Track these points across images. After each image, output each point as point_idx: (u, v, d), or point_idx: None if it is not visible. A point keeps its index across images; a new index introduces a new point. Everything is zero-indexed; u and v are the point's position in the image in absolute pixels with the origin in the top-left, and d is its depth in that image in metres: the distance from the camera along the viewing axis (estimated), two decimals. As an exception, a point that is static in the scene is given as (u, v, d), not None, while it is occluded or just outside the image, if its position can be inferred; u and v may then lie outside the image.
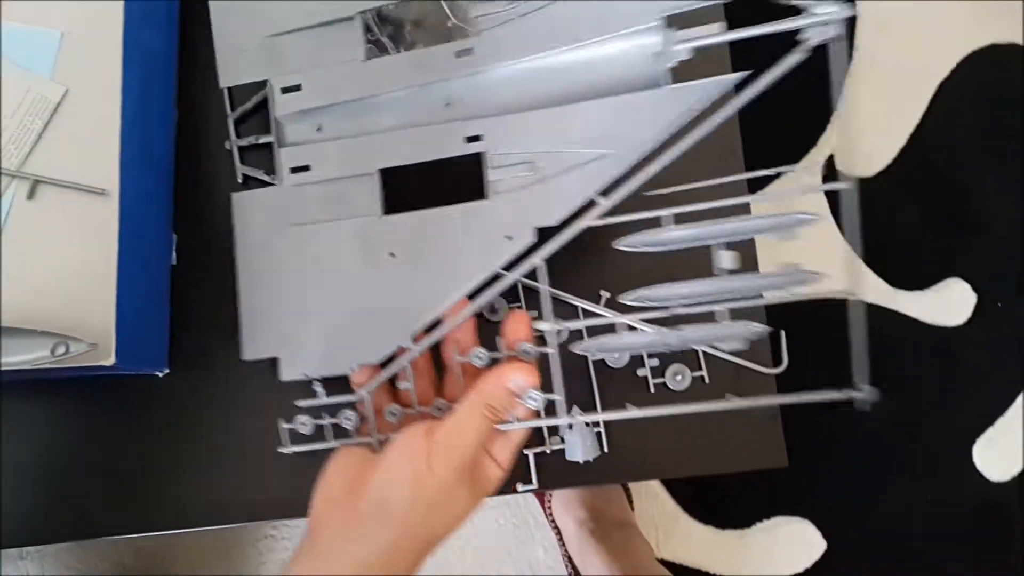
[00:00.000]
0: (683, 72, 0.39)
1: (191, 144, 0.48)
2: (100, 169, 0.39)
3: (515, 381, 0.37)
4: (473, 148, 0.41)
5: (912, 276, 1.07)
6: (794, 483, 1.03)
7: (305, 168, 0.44)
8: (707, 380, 0.45)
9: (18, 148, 0.41)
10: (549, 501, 0.96)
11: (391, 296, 0.42)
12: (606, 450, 0.45)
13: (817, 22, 0.35)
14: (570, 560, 0.92)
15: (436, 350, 0.43)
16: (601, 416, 0.40)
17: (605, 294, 0.45)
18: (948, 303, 1.07)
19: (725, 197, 0.36)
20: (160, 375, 0.45)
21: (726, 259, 0.36)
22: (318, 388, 0.43)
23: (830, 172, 1.06)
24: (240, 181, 0.47)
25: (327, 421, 0.43)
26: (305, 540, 0.37)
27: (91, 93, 0.40)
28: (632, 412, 0.38)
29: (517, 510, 1.00)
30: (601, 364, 0.45)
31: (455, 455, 0.36)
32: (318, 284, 0.43)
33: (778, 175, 0.38)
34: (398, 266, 0.42)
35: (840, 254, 0.87)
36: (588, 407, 0.45)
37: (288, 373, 0.43)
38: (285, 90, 0.44)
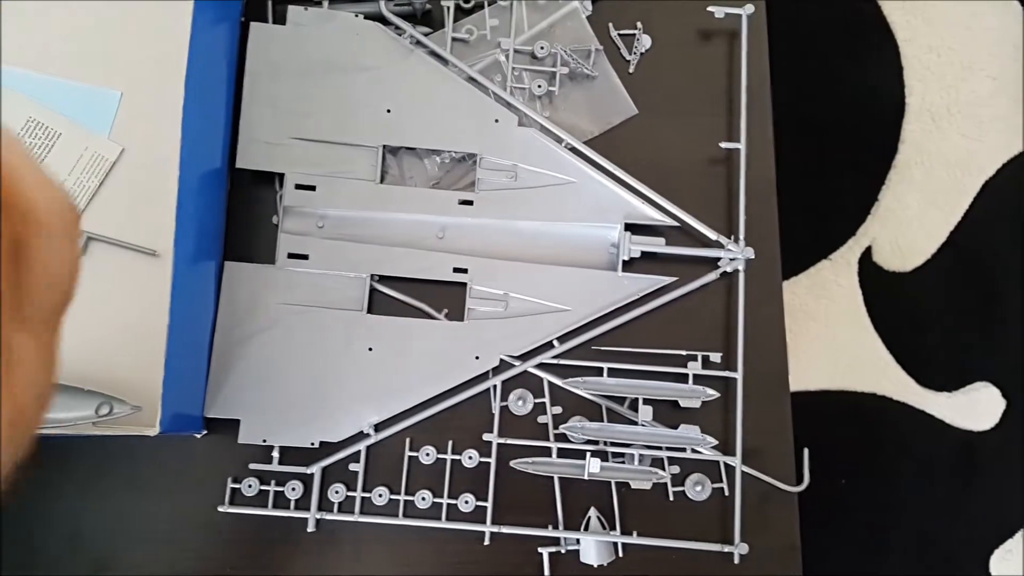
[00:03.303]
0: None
1: (239, 211, 0.51)
2: (153, 230, 0.41)
3: None
4: (458, 278, 0.50)
5: (942, 376, 1.05)
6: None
7: (304, 257, 0.50)
8: (727, 492, 0.49)
9: (67, 196, 0.42)
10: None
11: (362, 385, 0.48)
12: (620, 554, 0.48)
13: (727, 256, 0.50)
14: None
15: (387, 439, 0.49)
16: (607, 537, 0.46)
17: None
18: (976, 407, 1.05)
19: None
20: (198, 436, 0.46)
21: (643, 412, 0.48)
22: (275, 455, 0.46)
23: (867, 263, 1.06)
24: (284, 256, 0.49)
25: (272, 487, 0.47)
26: None
27: (148, 154, 0.43)
28: (632, 539, 0.47)
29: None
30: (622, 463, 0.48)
31: None
32: (293, 361, 0.48)
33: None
34: (373, 360, 0.48)
35: (871, 349, 0.97)
36: (607, 511, 0.48)
37: (246, 436, 0.47)
38: (299, 186, 0.50)
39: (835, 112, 1.07)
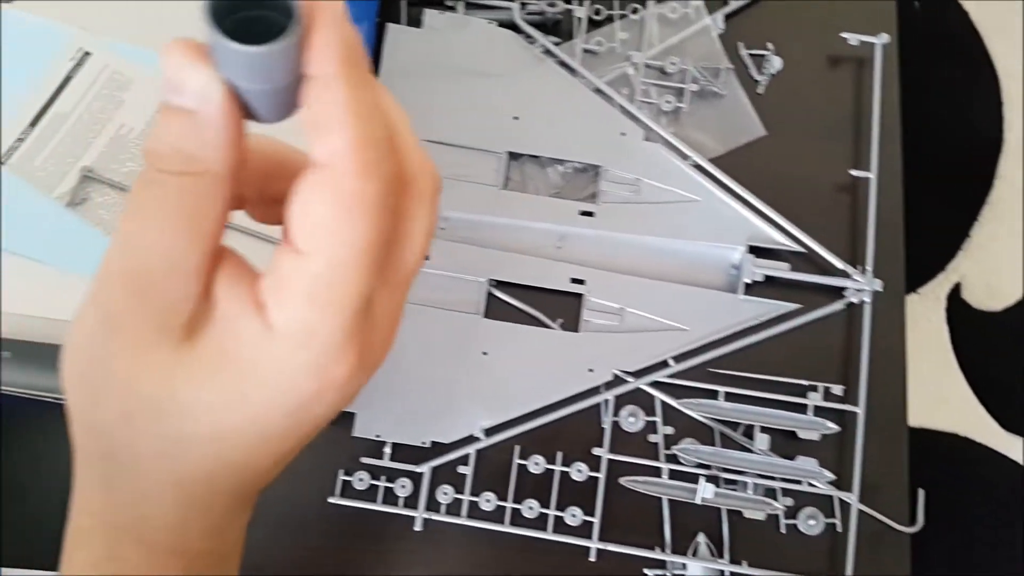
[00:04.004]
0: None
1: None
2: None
3: (170, 84, 0.19)
4: (576, 288, 0.50)
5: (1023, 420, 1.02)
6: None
7: (425, 257, 0.50)
8: (839, 528, 0.47)
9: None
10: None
11: (475, 388, 0.48)
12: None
13: (854, 286, 0.49)
14: None
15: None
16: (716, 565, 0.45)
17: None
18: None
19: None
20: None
21: (760, 440, 0.47)
22: (387, 451, 0.47)
23: (956, 300, 1.04)
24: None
25: (383, 483, 0.47)
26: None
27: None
28: (742, 568, 0.45)
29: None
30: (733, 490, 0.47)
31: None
32: (410, 359, 0.48)
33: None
34: (487, 364, 0.49)
35: (955, 388, 0.96)
36: (715, 537, 0.47)
37: (361, 430, 0.47)
38: (423, 187, 0.51)
39: (930, 144, 1.05)
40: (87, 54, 0.50)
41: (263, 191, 0.24)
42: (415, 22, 0.52)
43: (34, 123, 0.49)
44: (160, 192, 0.19)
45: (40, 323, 0.47)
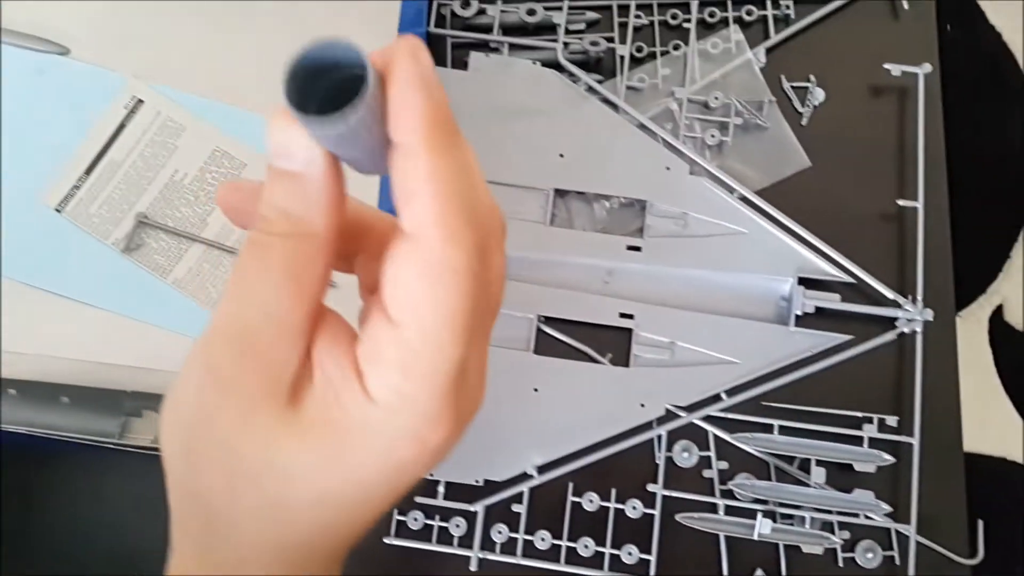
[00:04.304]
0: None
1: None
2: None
3: (276, 150, 0.20)
4: (625, 323, 0.50)
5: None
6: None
7: (473, 295, 0.50)
8: (897, 561, 0.47)
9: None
10: None
11: (527, 425, 0.48)
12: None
13: (905, 316, 0.49)
14: None
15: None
16: None
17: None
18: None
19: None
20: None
21: (816, 473, 0.47)
22: (440, 489, 0.47)
23: (998, 322, 1.02)
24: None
25: (437, 522, 0.47)
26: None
27: None
28: None
29: None
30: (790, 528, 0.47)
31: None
32: (461, 397, 0.49)
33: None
34: (539, 401, 0.49)
35: (1000, 410, 0.95)
36: (772, 572, 0.47)
37: (415, 470, 0.47)
38: (470, 225, 0.51)
39: (967, 165, 1.04)
40: (140, 101, 0.52)
41: (340, 248, 0.24)
42: (461, 64, 0.53)
43: (89, 170, 0.51)
44: (267, 253, 0.20)
45: (95, 368, 0.48)
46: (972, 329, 0.99)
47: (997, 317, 1.02)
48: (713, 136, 0.52)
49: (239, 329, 0.20)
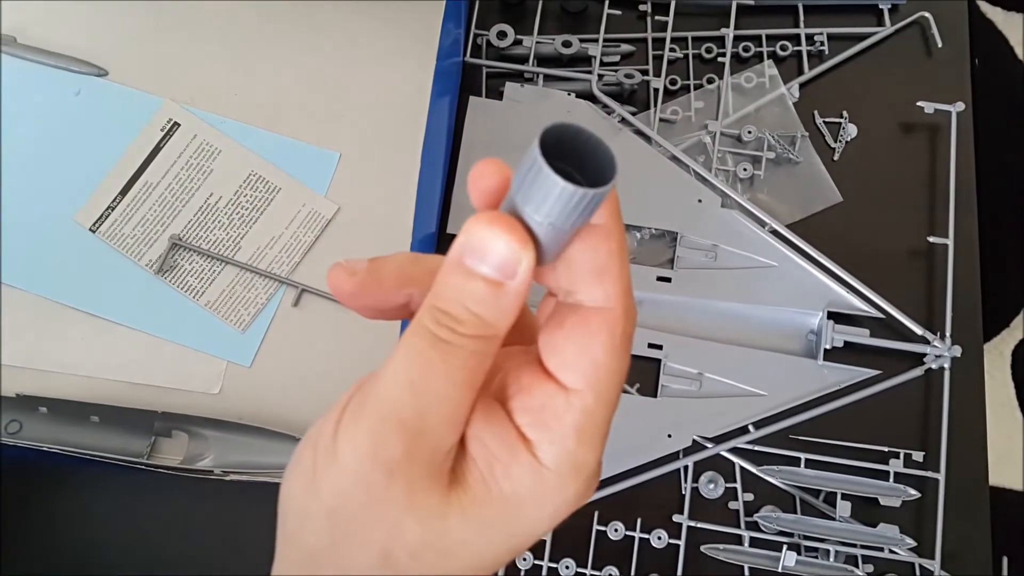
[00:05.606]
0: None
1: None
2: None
3: (476, 251, 0.20)
4: (653, 354, 0.50)
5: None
6: None
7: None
8: None
9: (289, 257, 0.45)
10: None
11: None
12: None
13: (933, 352, 0.49)
14: None
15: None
16: None
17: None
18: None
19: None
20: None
21: (842, 507, 0.47)
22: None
23: (1022, 356, 1.02)
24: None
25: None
26: None
27: (361, 214, 0.45)
28: None
29: None
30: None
31: (372, 435, 0.20)
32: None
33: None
34: (567, 430, 0.49)
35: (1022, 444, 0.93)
36: None
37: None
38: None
39: (988, 199, 1.04)
40: (176, 124, 0.52)
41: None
42: (496, 94, 0.53)
43: (124, 192, 0.51)
44: (455, 354, 0.20)
45: (125, 387, 0.48)
46: (996, 362, 0.99)
47: (1021, 351, 1.02)
48: (745, 169, 0.52)
49: (416, 422, 0.20)
